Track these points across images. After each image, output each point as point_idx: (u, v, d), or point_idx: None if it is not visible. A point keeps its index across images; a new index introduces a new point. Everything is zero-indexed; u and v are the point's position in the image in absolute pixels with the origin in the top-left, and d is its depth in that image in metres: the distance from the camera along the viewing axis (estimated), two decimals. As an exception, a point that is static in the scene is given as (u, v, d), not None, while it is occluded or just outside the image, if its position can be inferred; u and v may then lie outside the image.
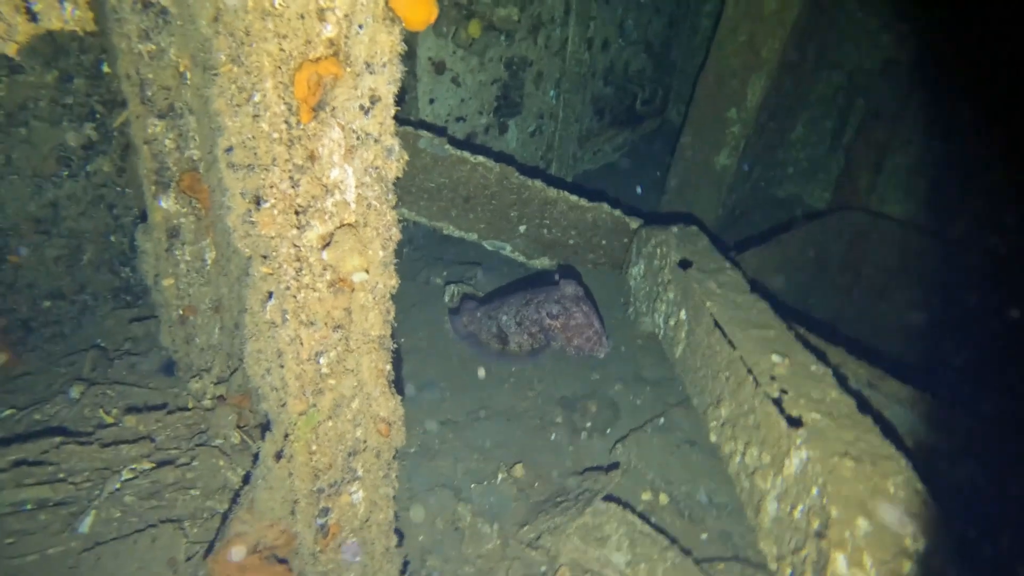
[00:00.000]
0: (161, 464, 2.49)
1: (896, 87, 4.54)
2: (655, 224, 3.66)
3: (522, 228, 3.85)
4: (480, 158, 3.44)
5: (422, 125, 3.59)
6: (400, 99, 3.98)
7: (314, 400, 1.66)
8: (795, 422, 1.98)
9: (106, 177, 3.22)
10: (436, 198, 3.67)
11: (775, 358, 2.25)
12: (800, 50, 4.44)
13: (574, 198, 3.66)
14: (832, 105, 5.09)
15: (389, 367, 1.65)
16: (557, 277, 3.47)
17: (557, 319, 3.38)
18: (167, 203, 2.35)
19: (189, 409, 2.69)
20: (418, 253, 4.56)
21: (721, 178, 4.65)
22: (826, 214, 4.39)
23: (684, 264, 3.08)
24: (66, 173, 3.09)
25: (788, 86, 4.64)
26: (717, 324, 2.53)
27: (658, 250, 3.29)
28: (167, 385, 2.89)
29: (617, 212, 3.74)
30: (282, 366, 1.54)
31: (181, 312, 2.58)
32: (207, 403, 2.70)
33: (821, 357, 2.30)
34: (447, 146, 3.36)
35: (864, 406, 2.05)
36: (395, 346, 1.65)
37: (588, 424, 3.25)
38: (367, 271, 1.44)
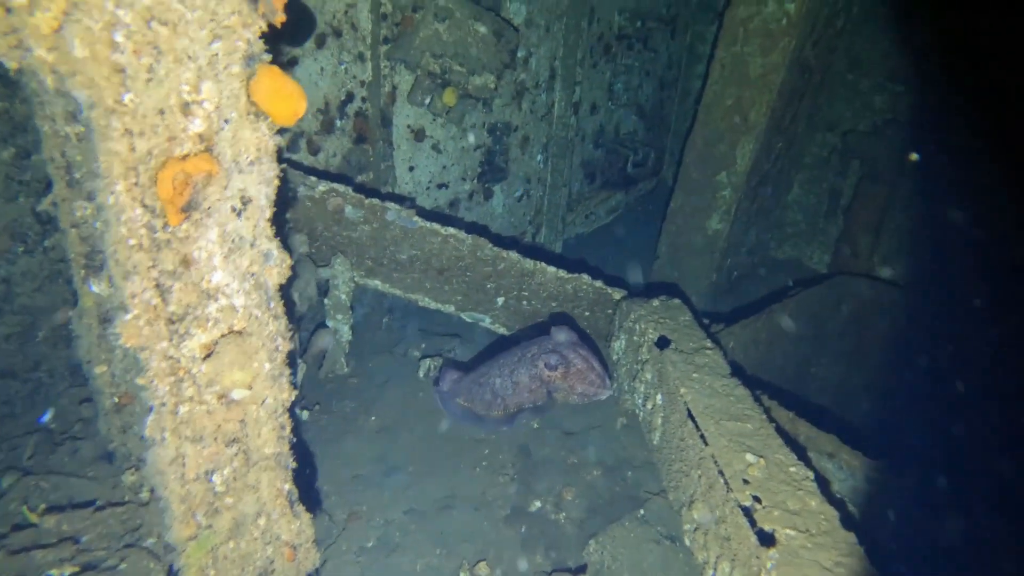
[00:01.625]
0: (85, 568, 2.29)
1: (892, 148, 4.39)
2: (639, 295, 3.49)
3: (500, 300, 3.69)
4: (451, 230, 3.31)
5: (391, 197, 3.48)
6: (374, 166, 3.92)
7: (209, 521, 1.47)
8: (767, 539, 1.74)
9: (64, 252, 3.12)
10: (409, 270, 3.54)
11: (749, 458, 2.03)
12: (790, 112, 4.34)
13: (552, 269, 3.50)
14: (828, 166, 4.95)
15: (289, 486, 1.46)
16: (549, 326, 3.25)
17: (556, 370, 3.11)
18: (99, 287, 2.22)
19: (123, 504, 2.50)
20: (397, 323, 4.41)
21: (714, 243, 4.48)
22: (822, 280, 4.18)
23: (662, 342, 2.88)
24: (21, 248, 3.00)
25: (780, 148, 4.52)
26: (690, 414, 2.32)
27: (637, 326, 3.10)
28: (109, 474, 2.71)
29: (599, 283, 3.57)
30: (165, 487, 1.36)
31: (117, 400, 2.42)
32: (143, 496, 2.52)
33: (803, 456, 2.07)
34: (416, 218, 3.24)
35: (848, 519, 1.81)
36: (294, 466, 1.47)
37: (563, 515, 3.00)
38: (250, 386, 1.27)
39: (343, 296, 3.50)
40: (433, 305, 3.78)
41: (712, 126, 4.27)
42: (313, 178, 3.04)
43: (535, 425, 3.49)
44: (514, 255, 3.45)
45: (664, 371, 2.66)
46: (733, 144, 4.19)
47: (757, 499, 1.88)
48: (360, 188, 3.24)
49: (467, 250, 3.41)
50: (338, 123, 3.71)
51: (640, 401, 3.02)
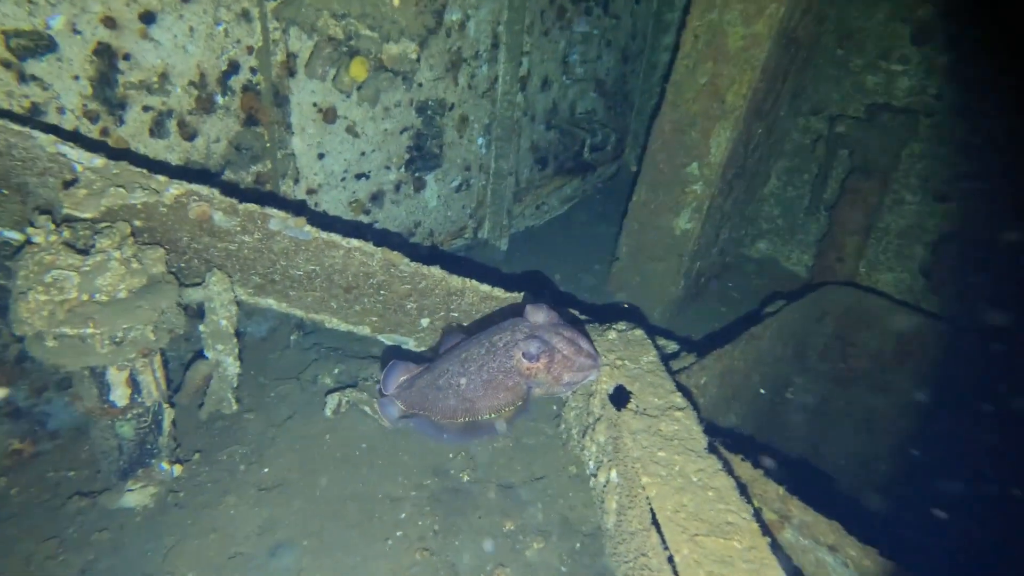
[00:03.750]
0: None
1: (886, 137, 3.80)
2: (591, 321, 2.85)
3: (424, 322, 3.01)
4: (355, 242, 2.60)
5: (274, 200, 2.74)
6: (271, 154, 3.16)
7: None
8: None
9: None
10: (308, 288, 2.82)
11: (738, 609, 1.41)
12: (773, 94, 3.70)
13: (486, 288, 2.83)
14: (811, 156, 4.35)
15: None
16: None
17: (538, 360, 2.34)
18: None
19: None
20: (309, 340, 3.68)
21: (682, 244, 3.86)
22: (805, 292, 3.60)
23: (620, 395, 2.25)
24: None
25: (760, 135, 3.89)
26: (655, 521, 1.69)
27: (589, 366, 2.45)
28: None
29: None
30: None
31: None
32: None
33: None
34: (307, 227, 2.51)
35: None
36: None
37: (494, 609, 2.38)
38: None
39: (223, 321, 2.78)
40: (344, 327, 3.09)
41: (683, 108, 3.61)
42: (162, 178, 2.28)
43: (465, 479, 2.86)
44: (438, 271, 2.76)
45: (621, 442, 2.03)
46: (707, 131, 3.54)
47: None
48: (231, 189, 2.49)
49: (378, 265, 2.70)
50: (220, 100, 2.93)
51: (591, 466, 2.40)
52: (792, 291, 3.81)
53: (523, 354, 2.30)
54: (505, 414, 2.55)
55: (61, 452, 3.03)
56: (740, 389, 3.27)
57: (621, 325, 2.65)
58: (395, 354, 3.28)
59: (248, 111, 3.04)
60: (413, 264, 2.71)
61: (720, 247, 4.38)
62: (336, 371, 3.42)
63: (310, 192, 3.39)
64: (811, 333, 3.67)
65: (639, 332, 2.59)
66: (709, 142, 3.57)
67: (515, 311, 2.96)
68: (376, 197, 3.75)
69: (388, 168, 3.72)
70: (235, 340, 2.87)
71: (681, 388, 2.24)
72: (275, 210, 2.47)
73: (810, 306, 3.52)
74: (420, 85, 3.57)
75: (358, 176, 3.60)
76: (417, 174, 3.89)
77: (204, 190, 2.37)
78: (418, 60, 3.03)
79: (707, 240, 4.00)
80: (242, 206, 2.43)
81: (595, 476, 2.33)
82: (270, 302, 2.91)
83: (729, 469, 1.86)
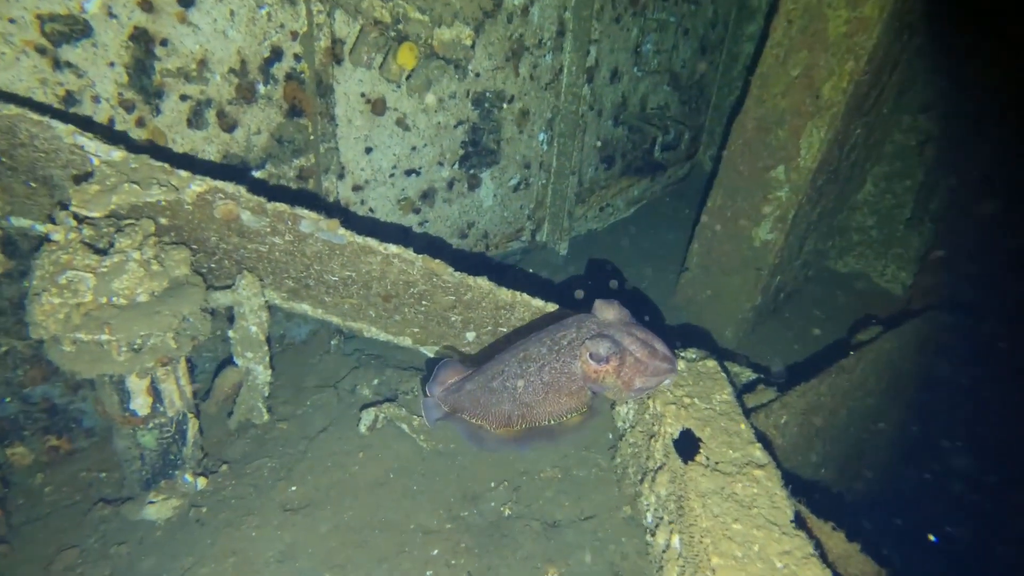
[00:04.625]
0: None
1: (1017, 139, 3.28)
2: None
3: (470, 335, 2.74)
4: (393, 248, 2.35)
5: (304, 200, 2.52)
6: (314, 147, 2.96)
7: None
8: None
9: None
10: (343, 294, 2.60)
11: None
12: (877, 88, 3.23)
13: (538, 303, 2.53)
14: (916, 160, 3.82)
15: None
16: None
17: (607, 362, 2.01)
18: None
19: None
20: (350, 346, 3.48)
21: (762, 257, 3.44)
22: (906, 318, 3.13)
23: (687, 442, 1.91)
24: None
25: (859, 135, 3.42)
26: (728, 620, 1.36)
27: (654, 403, 2.12)
28: None
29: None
30: None
31: None
32: None
33: None
34: (341, 231, 2.28)
35: None
36: None
37: (531, 675, 2.10)
38: None
39: (253, 328, 2.58)
40: (383, 337, 2.86)
41: (769, 104, 3.19)
42: (184, 173, 2.09)
43: (506, 512, 2.58)
44: (485, 283, 2.48)
45: (687, 504, 1.69)
46: (797, 130, 3.12)
47: None
48: (270, 185, 2.27)
49: (419, 274, 2.44)
50: (261, 89, 2.74)
51: (649, 518, 2.07)
52: (889, 315, 3.34)
53: (590, 355, 1.98)
54: (567, 422, 2.24)
55: (96, 451, 2.95)
56: (824, 427, 2.85)
57: (691, 353, 2.30)
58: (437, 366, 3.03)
59: (291, 101, 2.83)
60: (458, 274, 2.43)
61: (803, 260, 3.92)
62: (376, 382, 3.20)
63: (356, 188, 3.17)
64: (911, 363, 3.20)
65: (712, 363, 2.23)
66: (799, 143, 3.14)
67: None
68: (427, 195, 3.50)
69: (441, 164, 3.47)
70: (266, 347, 2.68)
71: (759, 436, 1.88)
72: (306, 211, 2.24)
73: (913, 333, 3.06)
74: (477, 75, 3.29)
75: (408, 172, 3.35)
76: (472, 171, 3.62)
77: (229, 187, 2.16)
78: (473, 47, 2.75)
79: (790, 252, 3.57)
80: (271, 205, 2.22)
81: (652, 534, 2.00)
82: (304, 308, 2.71)
83: (822, 552, 1.50)
